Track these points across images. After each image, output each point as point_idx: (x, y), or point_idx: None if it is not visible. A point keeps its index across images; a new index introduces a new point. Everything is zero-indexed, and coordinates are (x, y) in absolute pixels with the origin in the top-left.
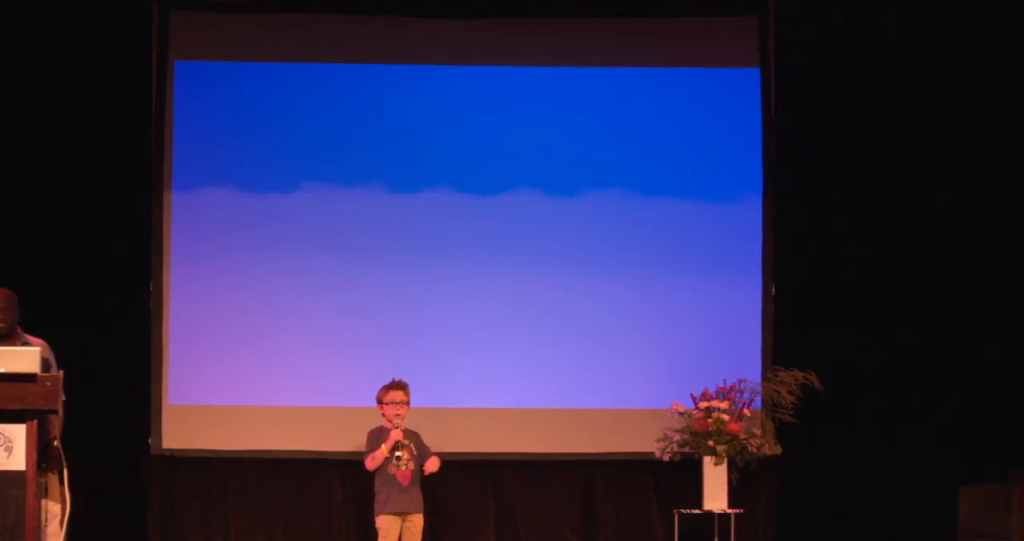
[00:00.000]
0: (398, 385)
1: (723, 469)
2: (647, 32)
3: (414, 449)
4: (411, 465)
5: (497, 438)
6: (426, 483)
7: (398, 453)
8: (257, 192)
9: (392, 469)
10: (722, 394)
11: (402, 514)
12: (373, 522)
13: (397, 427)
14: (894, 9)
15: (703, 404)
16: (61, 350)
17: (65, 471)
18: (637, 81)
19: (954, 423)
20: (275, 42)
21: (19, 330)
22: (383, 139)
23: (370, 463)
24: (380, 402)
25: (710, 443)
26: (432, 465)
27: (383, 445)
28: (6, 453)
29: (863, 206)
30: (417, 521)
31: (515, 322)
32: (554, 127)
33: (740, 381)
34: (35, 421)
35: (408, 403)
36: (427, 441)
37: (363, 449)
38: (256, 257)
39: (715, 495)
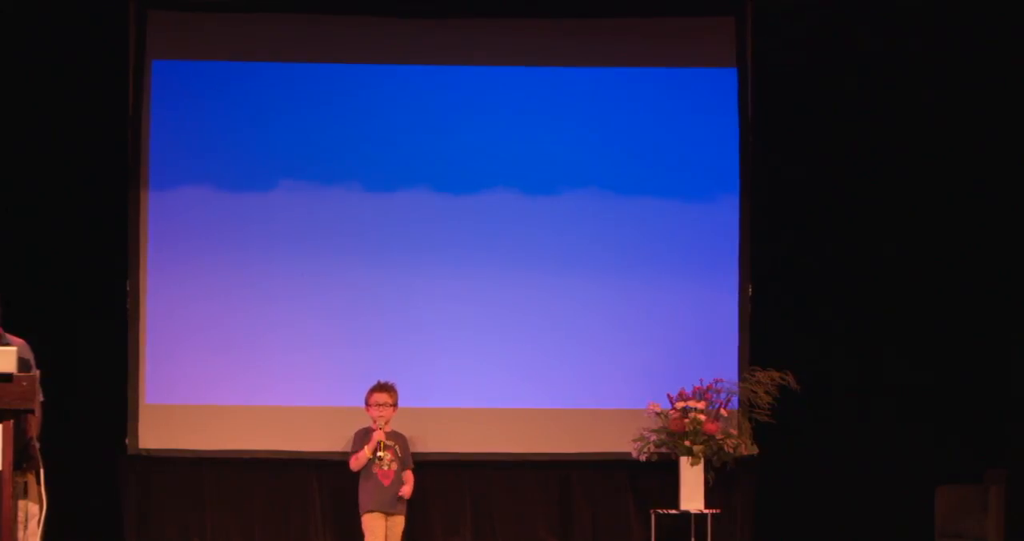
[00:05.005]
0: (382, 387)
1: (700, 469)
2: (624, 32)
3: (398, 451)
4: (394, 466)
5: (473, 438)
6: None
7: (380, 454)
8: (234, 192)
9: (375, 469)
10: (699, 394)
11: (385, 514)
12: (350, 522)
13: (380, 428)
14: (871, 9)
15: (680, 404)
16: (37, 349)
17: (42, 471)
18: (614, 81)
19: (931, 423)
20: (252, 42)
21: (0, 331)
22: (361, 139)
23: (353, 464)
24: (366, 403)
25: (687, 443)
26: (407, 490)
27: (366, 447)
28: None
29: (840, 206)
30: (398, 522)
31: (491, 322)
32: (531, 127)
33: (717, 381)
34: (11, 421)
35: (394, 405)
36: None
37: (339, 449)
38: (233, 257)
39: (692, 495)
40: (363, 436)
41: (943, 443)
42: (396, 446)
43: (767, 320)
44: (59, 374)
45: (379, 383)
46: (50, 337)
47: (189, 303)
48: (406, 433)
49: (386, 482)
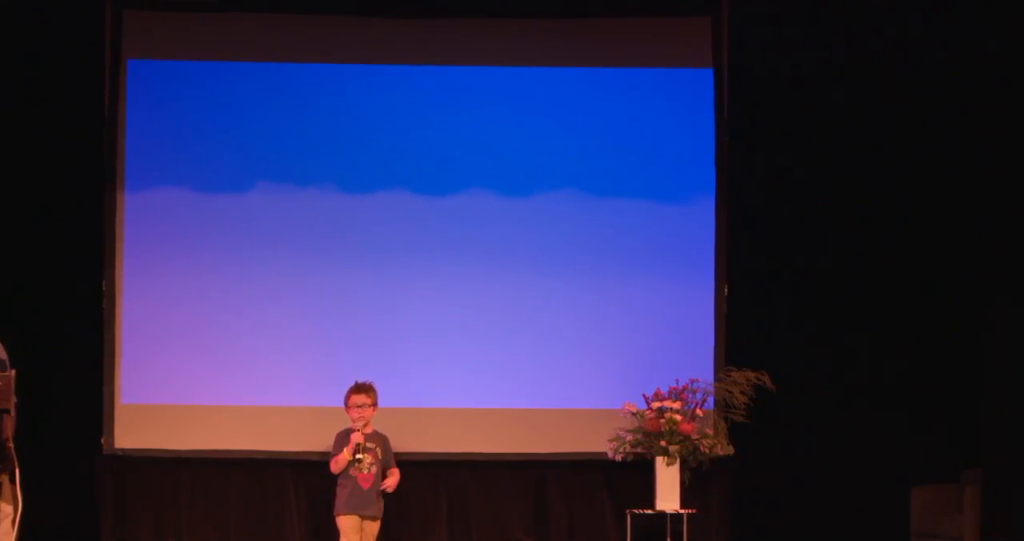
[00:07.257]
0: (359, 388)
1: (675, 469)
2: (600, 33)
3: (379, 453)
4: (374, 469)
5: (449, 438)
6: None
7: (359, 455)
8: (211, 192)
9: (354, 472)
10: (674, 394)
11: (360, 516)
12: (327, 522)
13: (359, 429)
14: (847, 10)
15: (655, 404)
16: (13, 349)
17: (17, 471)
18: (591, 81)
19: (906, 424)
20: (229, 42)
21: None
22: (338, 140)
23: (333, 466)
24: (345, 405)
25: (662, 443)
26: (391, 482)
27: (345, 449)
28: None
29: (816, 207)
30: (373, 527)
31: (467, 322)
32: (507, 127)
33: (692, 381)
34: None
35: (373, 405)
36: None
37: (315, 449)
38: (209, 258)
39: (667, 495)
40: (343, 438)
41: (919, 443)
42: (377, 448)
43: (743, 320)
44: (35, 374)
45: (356, 384)
46: (26, 337)
47: (165, 303)
48: (382, 433)
49: (365, 485)
